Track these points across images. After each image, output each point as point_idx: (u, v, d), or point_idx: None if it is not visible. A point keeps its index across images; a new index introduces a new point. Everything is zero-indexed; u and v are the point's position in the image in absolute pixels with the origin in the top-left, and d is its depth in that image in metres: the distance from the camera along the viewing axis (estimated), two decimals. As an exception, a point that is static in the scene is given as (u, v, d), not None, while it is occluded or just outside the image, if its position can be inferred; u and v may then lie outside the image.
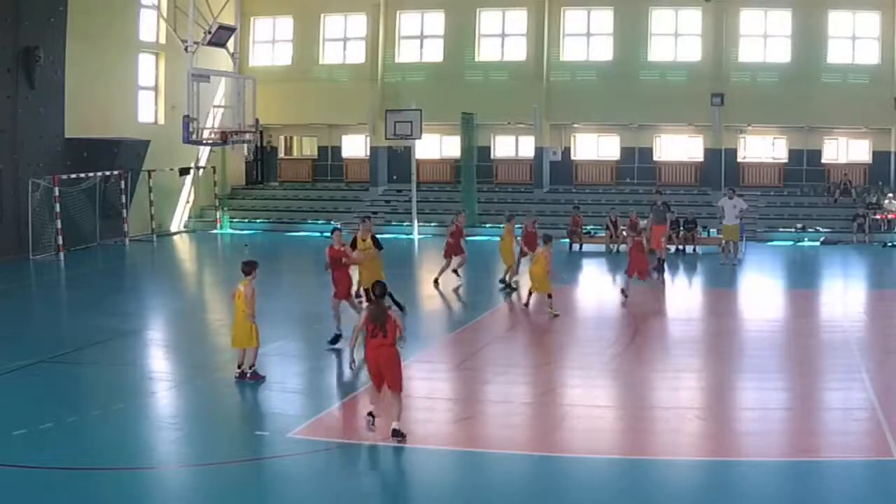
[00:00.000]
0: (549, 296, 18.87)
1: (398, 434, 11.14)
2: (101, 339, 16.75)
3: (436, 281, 21.95)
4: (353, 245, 17.18)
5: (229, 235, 32.91)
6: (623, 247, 28.69)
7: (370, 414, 11.30)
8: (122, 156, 30.28)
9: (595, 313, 20.63)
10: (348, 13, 36.99)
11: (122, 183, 30.26)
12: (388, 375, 11.20)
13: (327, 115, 37.19)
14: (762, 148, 35.38)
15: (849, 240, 30.22)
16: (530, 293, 19.49)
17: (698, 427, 12.13)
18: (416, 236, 32.13)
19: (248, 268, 13.87)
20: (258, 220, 35.21)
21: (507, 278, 21.74)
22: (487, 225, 32.94)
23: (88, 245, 28.94)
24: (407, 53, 36.70)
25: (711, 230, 29.77)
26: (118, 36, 31.08)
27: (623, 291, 20.47)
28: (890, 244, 29.74)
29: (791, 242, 30.63)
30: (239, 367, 13.96)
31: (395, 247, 27.57)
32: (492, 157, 37.00)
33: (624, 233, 28.82)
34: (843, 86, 32.52)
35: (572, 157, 36.56)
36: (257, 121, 32.45)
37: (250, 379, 13.86)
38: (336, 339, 15.82)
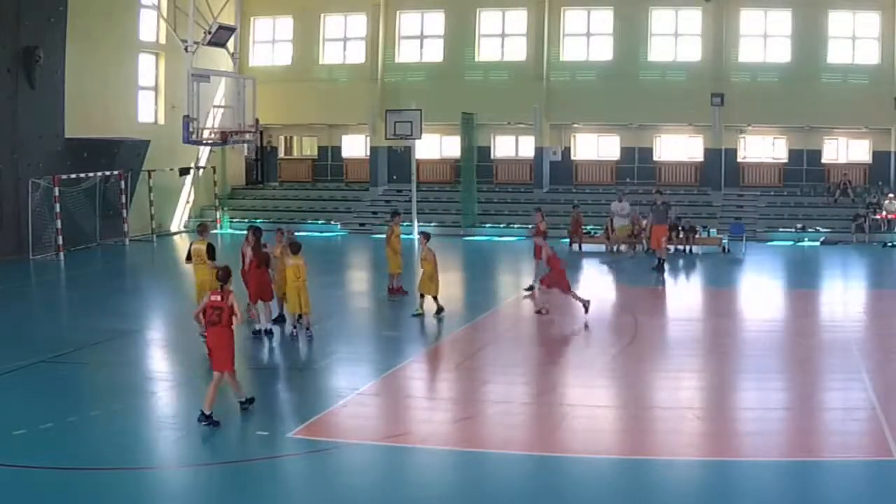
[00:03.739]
0: (423, 296, 18.40)
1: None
2: (101, 339, 16.76)
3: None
4: (189, 257, 16.58)
5: (229, 235, 32.87)
6: (623, 246, 28.79)
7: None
8: (122, 156, 30.28)
9: (594, 313, 20.59)
10: (348, 13, 36.99)
11: (122, 183, 30.26)
12: None
13: (327, 115, 37.20)
14: (762, 148, 35.36)
15: (849, 240, 30.21)
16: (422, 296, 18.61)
17: (698, 427, 12.13)
18: (416, 236, 32.06)
19: (298, 248, 16.27)
20: (258, 220, 35.06)
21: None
22: (487, 225, 33.05)
23: (88, 245, 28.92)
24: (407, 53, 36.70)
25: (711, 230, 29.88)
26: (118, 36, 31.05)
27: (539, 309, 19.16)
28: (890, 244, 29.73)
29: (791, 242, 30.62)
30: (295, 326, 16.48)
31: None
32: (492, 157, 36.99)
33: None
34: (843, 86, 32.51)
35: (572, 157, 36.54)
36: (257, 121, 32.44)
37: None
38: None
